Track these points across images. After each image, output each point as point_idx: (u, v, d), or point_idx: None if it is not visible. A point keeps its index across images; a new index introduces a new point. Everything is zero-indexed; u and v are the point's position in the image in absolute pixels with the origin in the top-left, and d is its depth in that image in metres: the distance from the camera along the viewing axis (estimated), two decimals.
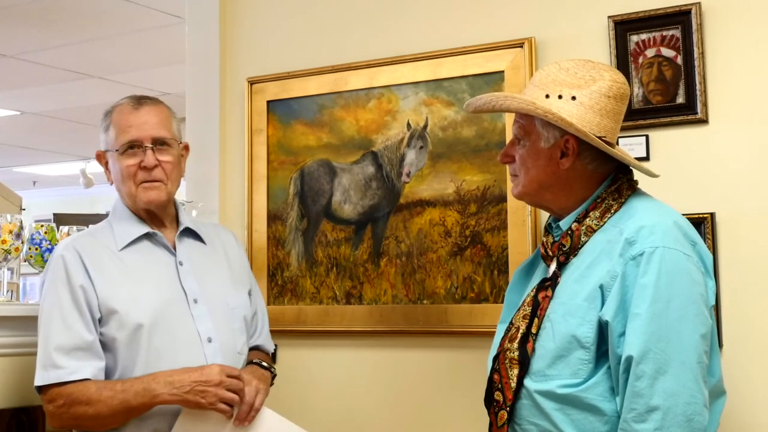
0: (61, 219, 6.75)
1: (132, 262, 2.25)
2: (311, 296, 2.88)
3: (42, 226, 2.77)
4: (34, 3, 5.42)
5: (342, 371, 2.85)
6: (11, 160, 11.01)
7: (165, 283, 2.26)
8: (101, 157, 2.35)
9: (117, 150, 2.26)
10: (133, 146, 2.25)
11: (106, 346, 2.18)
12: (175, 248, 2.31)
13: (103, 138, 2.33)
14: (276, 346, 2.63)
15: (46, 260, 2.70)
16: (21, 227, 2.65)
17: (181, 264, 2.29)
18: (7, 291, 2.79)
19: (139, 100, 2.31)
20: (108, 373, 2.17)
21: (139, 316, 2.17)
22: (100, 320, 2.18)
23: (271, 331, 2.93)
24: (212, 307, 2.28)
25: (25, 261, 2.82)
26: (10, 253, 2.62)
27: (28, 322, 2.46)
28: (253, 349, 2.43)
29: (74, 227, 2.77)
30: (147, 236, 2.29)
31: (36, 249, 2.73)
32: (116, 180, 2.30)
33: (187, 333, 2.22)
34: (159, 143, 2.27)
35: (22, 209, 4.57)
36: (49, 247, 2.73)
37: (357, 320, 2.80)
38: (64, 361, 2.12)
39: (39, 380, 2.14)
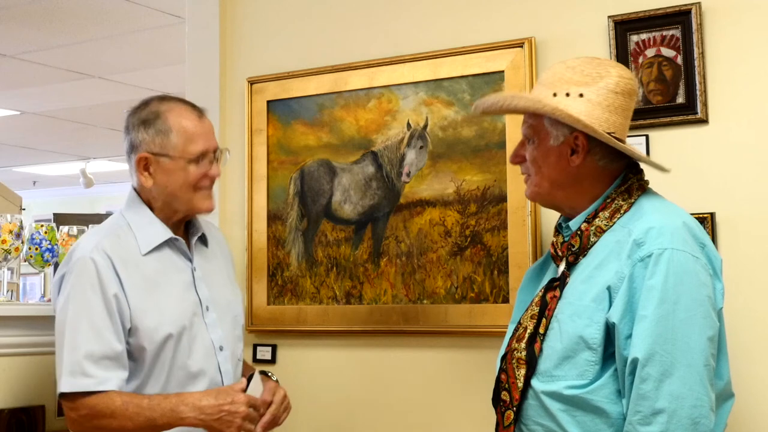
0: (61, 219, 6.76)
1: (154, 269, 2.22)
2: (311, 296, 2.88)
3: (42, 226, 2.77)
4: (34, 3, 5.42)
5: (342, 371, 2.84)
6: (11, 160, 11.01)
7: (184, 291, 2.25)
8: (145, 160, 2.22)
9: (189, 158, 2.20)
10: (204, 156, 2.23)
11: (132, 355, 2.16)
12: (191, 253, 2.31)
13: (151, 139, 2.21)
14: (276, 345, 2.63)
15: (46, 260, 2.71)
16: (21, 227, 2.65)
17: (195, 270, 2.29)
18: (7, 291, 2.80)
19: (196, 108, 2.27)
20: (128, 380, 2.15)
21: (168, 329, 2.16)
22: (129, 330, 2.15)
23: (271, 331, 2.94)
24: (221, 314, 2.29)
25: (25, 261, 2.82)
26: (10, 253, 2.63)
27: (28, 322, 2.46)
28: None
29: (74, 227, 2.77)
30: (168, 242, 2.26)
31: (36, 249, 2.73)
32: (171, 185, 2.22)
33: (203, 342, 2.23)
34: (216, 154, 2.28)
35: (22, 209, 4.57)
36: (49, 247, 2.73)
37: (357, 320, 2.79)
38: (93, 370, 2.09)
39: (66, 387, 2.10)
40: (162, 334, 2.15)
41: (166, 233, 2.25)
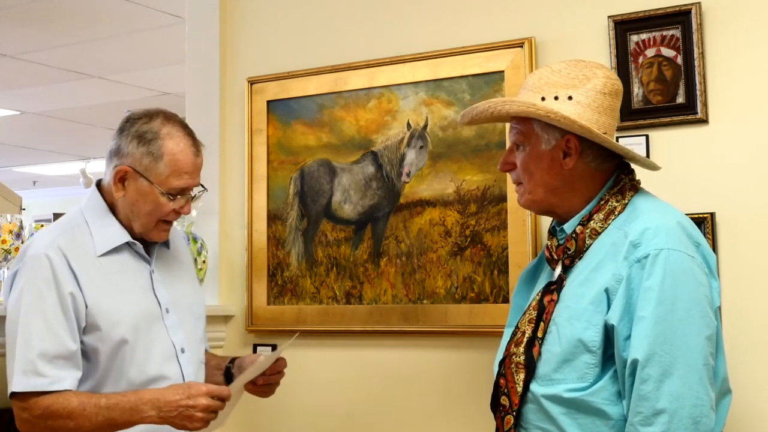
0: None
1: (112, 270, 2.17)
2: (311, 296, 2.88)
3: (42, 226, 2.77)
4: (34, 3, 5.43)
5: (342, 371, 2.85)
6: (11, 160, 11.02)
7: (141, 293, 2.20)
8: (124, 173, 2.16)
9: (165, 191, 2.15)
10: (182, 192, 2.18)
11: (86, 355, 2.11)
12: (149, 255, 2.25)
13: (140, 157, 2.15)
14: (276, 345, 2.63)
15: None
16: (21, 227, 2.65)
17: (153, 272, 2.24)
18: None
19: (196, 142, 2.20)
20: (82, 381, 2.10)
21: (122, 331, 2.12)
22: (84, 329, 2.10)
23: (271, 331, 2.94)
24: (181, 316, 2.25)
25: None
26: (10, 253, 2.63)
27: None
28: None
29: None
30: (125, 244, 2.20)
31: None
32: (138, 207, 2.17)
33: (163, 345, 2.19)
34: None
35: (22, 209, 4.57)
36: None
37: (357, 320, 2.80)
38: (47, 369, 2.03)
39: (19, 386, 2.03)
40: (117, 337, 2.11)
41: (124, 236, 2.19)
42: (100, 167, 2.36)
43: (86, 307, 2.10)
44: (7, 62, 6.76)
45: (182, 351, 2.21)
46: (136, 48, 6.42)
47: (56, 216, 7.70)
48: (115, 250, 2.18)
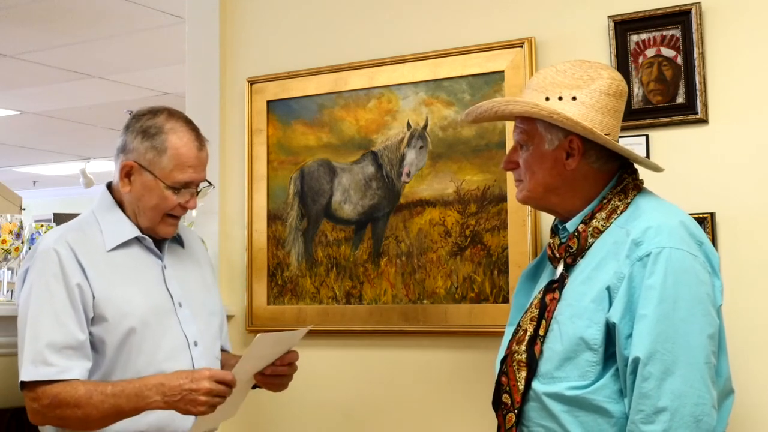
0: (61, 219, 6.75)
1: (122, 264, 2.21)
2: (311, 296, 2.88)
3: (42, 226, 2.78)
4: (34, 3, 5.43)
5: (342, 371, 2.85)
6: (11, 160, 11.02)
7: (152, 286, 2.24)
8: (130, 167, 2.22)
9: (170, 184, 2.19)
10: (187, 186, 2.22)
11: (94, 345, 2.14)
12: (161, 251, 2.29)
13: (144, 151, 2.20)
14: None
15: None
16: (21, 227, 2.65)
17: (165, 267, 2.28)
18: (7, 291, 2.80)
19: (199, 137, 2.25)
20: (91, 372, 2.13)
21: (131, 322, 2.15)
22: (92, 319, 2.14)
23: (272, 331, 2.93)
24: (195, 310, 2.28)
25: None
26: (10, 253, 2.63)
27: None
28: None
29: None
30: (136, 239, 2.25)
31: None
32: (144, 201, 2.22)
33: (175, 337, 2.21)
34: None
35: (22, 209, 4.57)
36: None
37: (357, 320, 2.80)
38: (55, 358, 2.07)
39: (26, 375, 2.07)
40: (124, 327, 2.14)
41: (133, 231, 2.24)
42: (100, 167, 2.39)
43: (93, 298, 2.14)
44: (7, 62, 6.76)
45: (195, 344, 2.23)
46: (136, 48, 6.42)
47: (56, 216, 7.72)
48: (125, 245, 2.23)
